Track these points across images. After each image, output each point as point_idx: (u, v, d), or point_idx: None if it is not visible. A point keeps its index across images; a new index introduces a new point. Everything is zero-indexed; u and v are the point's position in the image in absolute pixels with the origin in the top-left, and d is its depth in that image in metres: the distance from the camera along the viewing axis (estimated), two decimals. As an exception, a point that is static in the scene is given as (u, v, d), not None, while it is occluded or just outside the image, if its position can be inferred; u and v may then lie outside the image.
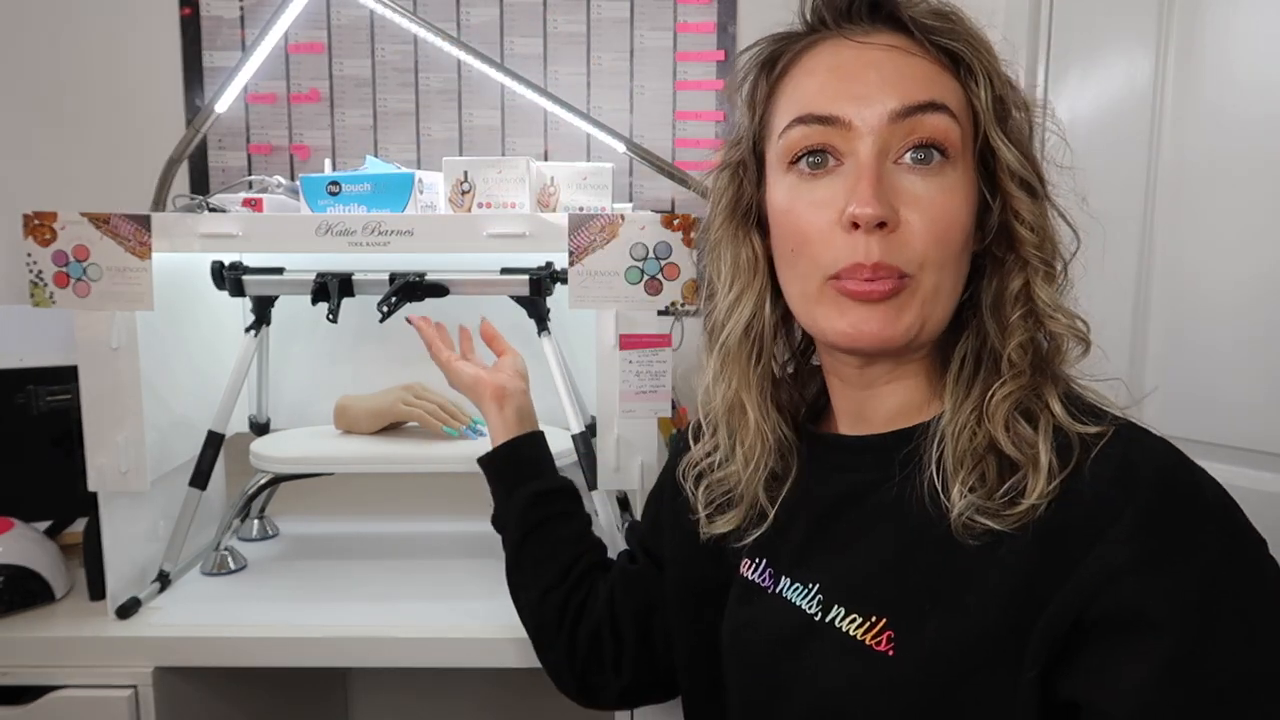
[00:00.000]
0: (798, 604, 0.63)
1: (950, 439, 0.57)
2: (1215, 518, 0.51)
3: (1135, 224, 1.23)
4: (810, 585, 0.63)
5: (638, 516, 1.19)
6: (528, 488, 0.90)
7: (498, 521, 0.93)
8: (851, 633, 0.59)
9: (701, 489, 0.71)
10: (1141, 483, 0.51)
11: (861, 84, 0.57)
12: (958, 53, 0.58)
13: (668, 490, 0.80)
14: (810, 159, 0.59)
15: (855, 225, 0.56)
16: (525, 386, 1.01)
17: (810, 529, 0.65)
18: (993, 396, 0.57)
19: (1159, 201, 1.21)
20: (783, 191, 0.61)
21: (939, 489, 0.57)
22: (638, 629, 0.81)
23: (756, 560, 0.69)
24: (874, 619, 0.58)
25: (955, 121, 0.57)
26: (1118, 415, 0.57)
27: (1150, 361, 1.24)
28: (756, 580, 0.68)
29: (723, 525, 0.69)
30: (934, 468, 0.58)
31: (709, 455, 0.71)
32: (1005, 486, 0.54)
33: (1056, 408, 0.56)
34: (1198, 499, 0.52)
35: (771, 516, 0.67)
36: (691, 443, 0.74)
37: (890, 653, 0.56)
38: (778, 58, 0.62)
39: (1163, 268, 1.22)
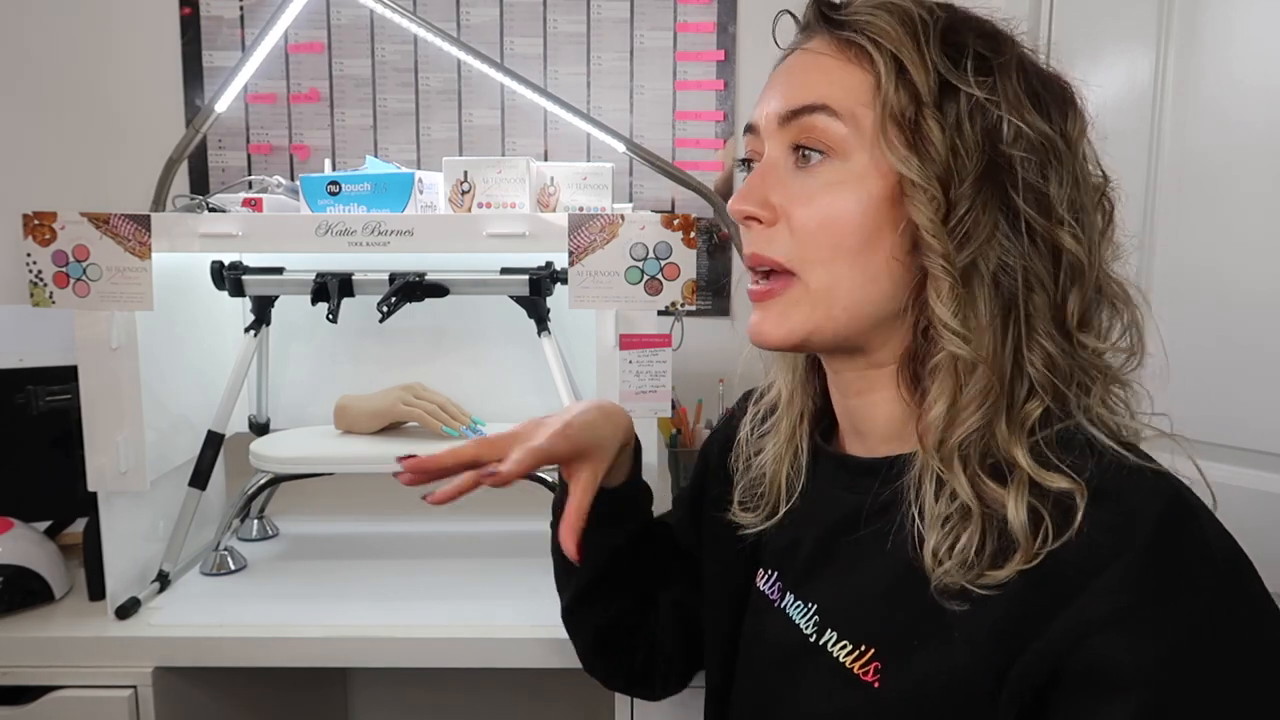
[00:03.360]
0: (797, 622, 0.63)
1: (927, 493, 0.55)
2: (1210, 577, 0.48)
3: (1135, 224, 1.23)
4: (809, 605, 0.63)
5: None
6: (628, 526, 0.79)
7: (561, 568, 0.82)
8: (841, 659, 0.59)
9: (745, 477, 0.71)
10: (1138, 534, 0.48)
11: (770, 90, 0.60)
12: (864, 46, 0.56)
13: (713, 487, 0.77)
14: (745, 166, 0.64)
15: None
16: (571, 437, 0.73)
17: (814, 548, 0.65)
18: (946, 442, 0.54)
19: (1159, 202, 1.21)
20: None
21: (917, 542, 0.55)
22: (688, 651, 0.81)
23: (768, 572, 0.69)
24: (863, 648, 0.58)
25: (836, 119, 0.56)
26: (1138, 454, 0.53)
27: (1150, 362, 1.24)
28: (766, 592, 0.68)
29: (747, 519, 0.69)
30: (916, 512, 0.55)
31: (761, 436, 0.71)
32: (986, 554, 0.52)
33: (1022, 459, 0.52)
34: (1196, 557, 0.48)
35: (776, 522, 0.67)
36: (749, 431, 0.73)
37: (876, 684, 0.56)
38: (778, 64, 0.65)
39: (1163, 268, 1.21)
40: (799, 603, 0.64)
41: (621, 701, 1.01)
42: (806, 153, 0.57)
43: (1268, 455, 1.12)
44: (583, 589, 0.79)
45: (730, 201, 0.60)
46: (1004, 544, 0.51)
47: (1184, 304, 1.20)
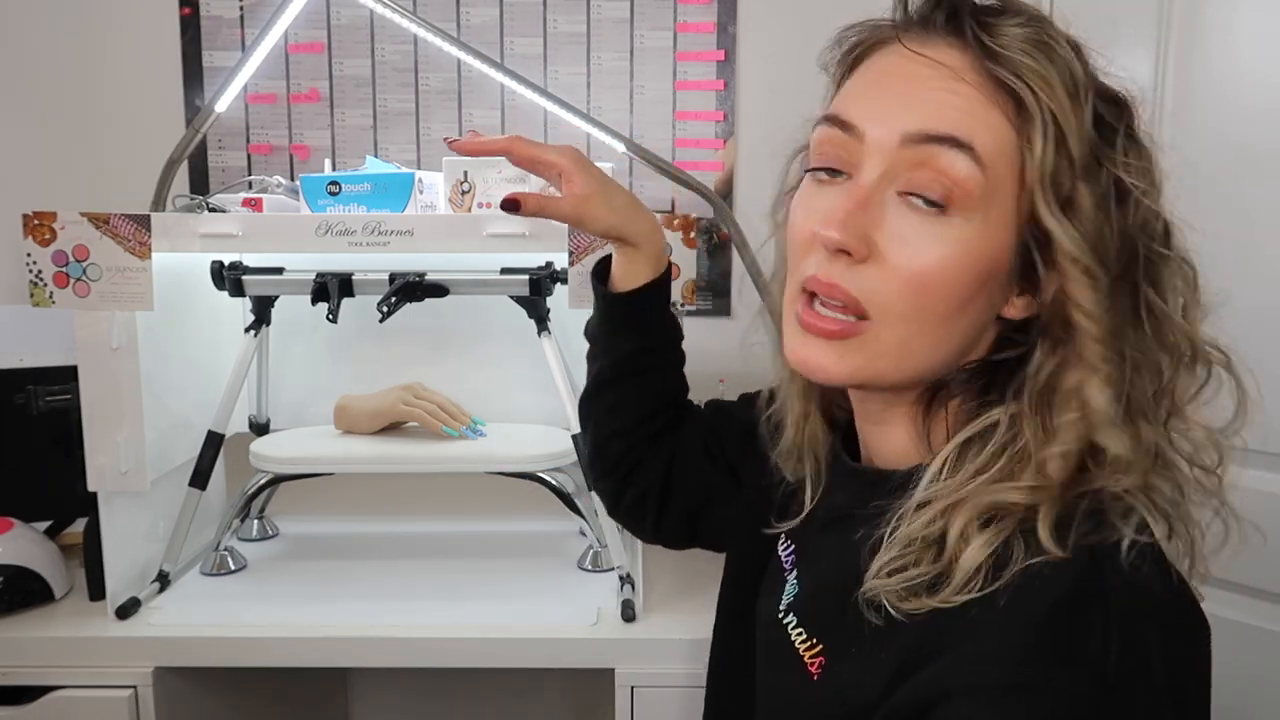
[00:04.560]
0: (782, 596, 0.65)
1: (908, 517, 0.52)
2: (1082, 684, 0.43)
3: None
4: (796, 585, 0.65)
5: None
6: (632, 341, 0.79)
7: (592, 343, 0.82)
8: (796, 644, 0.60)
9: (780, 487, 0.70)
10: (1027, 610, 0.45)
11: (889, 96, 0.52)
12: (1017, 91, 0.49)
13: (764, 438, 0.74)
14: (827, 171, 0.55)
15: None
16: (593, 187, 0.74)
17: (817, 534, 0.65)
18: (984, 495, 0.50)
19: (1158, 202, 1.21)
20: (799, 191, 0.58)
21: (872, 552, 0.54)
22: (688, 515, 0.81)
23: (788, 544, 0.69)
24: (813, 640, 0.59)
25: (978, 167, 0.49)
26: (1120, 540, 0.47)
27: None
28: (783, 560, 0.69)
29: (784, 525, 0.68)
30: (890, 528, 0.53)
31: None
32: (922, 583, 0.50)
33: (1044, 533, 0.48)
34: (1081, 658, 0.44)
35: (805, 509, 0.66)
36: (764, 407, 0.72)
37: (816, 676, 0.57)
38: (857, 47, 0.57)
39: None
40: (794, 581, 0.65)
41: (622, 701, 1.01)
42: (928, 196, 0.50)
43: (1268, 455, 1.12)
44: (594, 382, 0.81)
45: (821, 224, 0.51)
46: (939, 579, 0.49)
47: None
